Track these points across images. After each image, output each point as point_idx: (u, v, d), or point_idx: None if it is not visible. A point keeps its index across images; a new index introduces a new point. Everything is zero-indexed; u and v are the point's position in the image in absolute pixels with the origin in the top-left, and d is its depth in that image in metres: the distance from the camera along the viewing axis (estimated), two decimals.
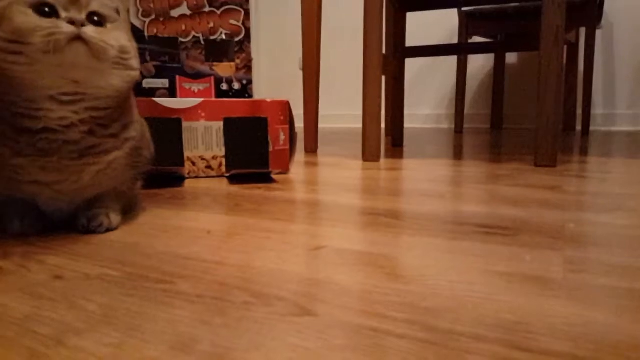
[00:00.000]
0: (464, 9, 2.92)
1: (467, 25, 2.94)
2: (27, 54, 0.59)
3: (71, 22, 0.61)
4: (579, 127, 2.88)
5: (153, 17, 1.82)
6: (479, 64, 3.52)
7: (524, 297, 0.48)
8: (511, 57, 3.42)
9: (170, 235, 0.69)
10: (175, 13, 1.56)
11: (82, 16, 0.63)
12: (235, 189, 1.09)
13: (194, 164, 1.21)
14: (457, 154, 1.82)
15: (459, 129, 3.16)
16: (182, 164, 1.18)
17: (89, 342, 0.39)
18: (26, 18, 0.59)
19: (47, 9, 0.61)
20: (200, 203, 0.94)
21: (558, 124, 1.37)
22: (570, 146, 2.00)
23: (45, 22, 0.60)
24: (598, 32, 2.99)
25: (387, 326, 0.42)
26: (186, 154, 1.20)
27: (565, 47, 2.82)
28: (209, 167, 1.22)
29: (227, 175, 1.25)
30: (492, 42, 3.12)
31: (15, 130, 0.62)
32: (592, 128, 2.94)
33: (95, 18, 0.64)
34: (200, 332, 0.41)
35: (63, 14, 0.61)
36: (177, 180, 1.21)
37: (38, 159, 0.63)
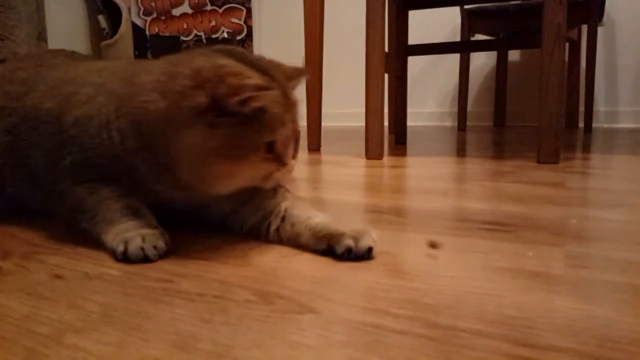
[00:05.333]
0: (466, 7, 2.91)
1: (469, 23, 2.93)
2: None
3: None
4: (581, 124, 2.87)
5: (154, 15, 1.82)
6: (482, 62, 3.51)
7: (526, 293, 0.48)
8: (513, 55, 3.41)
9: (171, 235, 0.69)
10: (176, 12, 1.56)
11: None
12: None
13: None
14: (460, 151, 1.82)
15: (462, 127, 3.15)
16: None
17: (88, 341, 0.39)
18: None
19: None
20: None
21: (560, 121, 1.36)
22: (573, 143, 1.99)
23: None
24: (600, 30, 2.98)
25: (389, 322, 0.42)
26: None
27: (567, 44, 2.81)
28: None
29: None
30: (494, 40, 3.11)
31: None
32: (594, 125, 2.93)
33: None
34: (201, 330, 0.41)
35: None
36: None
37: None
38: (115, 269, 0.56)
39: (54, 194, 0.70)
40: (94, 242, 0.62)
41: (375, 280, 0.52)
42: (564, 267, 0.54)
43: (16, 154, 0.75)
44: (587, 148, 1.81)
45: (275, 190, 0.70)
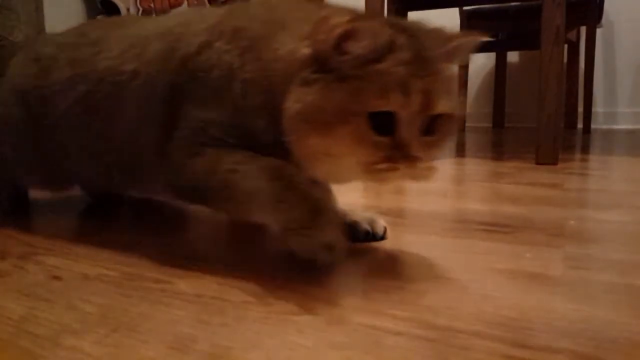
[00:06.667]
0: (465, 8, 2.91)
1: (468, 24, 2.93)
2: None
3: None
4: (580, 125, 2.87)
5: (153, 16, 1.82)
6: (481, 63, 3.50)
7: (523, 294, 0.48)
8: (512, 56, 3.41)
9: (170, 236, 0.69)
10: (176, 12, 1.56)
11: None
12: None
13: None
14: (459, 152, 1.81)
15: (461, 128, 3.15)
16: None
17: (85, 343, 0.39)
18: None
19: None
20: None
21: (559, 122, 1.36)
22: (572, 144, 1.99)
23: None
24: (598, 31, 2.98)
25: (387, 324, 0.42)
26: None
27: (566, 45, 2.81)
28: None
29: None
30: (493, 41, 3.11)
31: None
32: (593, 126, 2.93)
33: None
34: (199, 332, 0.41)
35: None
36: None
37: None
38: (113, 270, 0.56)
39: (154, 168, 0.61)
40: (93, 242, 0.62)
41: (373, 281, 0.52)
42: (562, 268, 0.54)
43: (88, 127, 0.67)
44: (585, 149, 1.81)
45: None
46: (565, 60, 2.81)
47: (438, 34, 0.52)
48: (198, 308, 0.45)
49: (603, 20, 2.98)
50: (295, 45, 0.51)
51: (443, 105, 0.49)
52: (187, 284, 0.51)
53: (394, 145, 0.48)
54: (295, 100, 0.49)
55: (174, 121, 0.58)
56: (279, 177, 0.52)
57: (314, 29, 0.49)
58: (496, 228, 0.72)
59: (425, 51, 0.49)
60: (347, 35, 0.46)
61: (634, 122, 3.11)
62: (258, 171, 0.53)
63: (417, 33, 0.50)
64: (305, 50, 0.50)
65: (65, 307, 0.46)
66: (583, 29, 2.87)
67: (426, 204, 0.90)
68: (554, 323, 0.42)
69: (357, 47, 0.47)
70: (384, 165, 0.49)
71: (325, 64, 0.48)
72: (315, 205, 0.50)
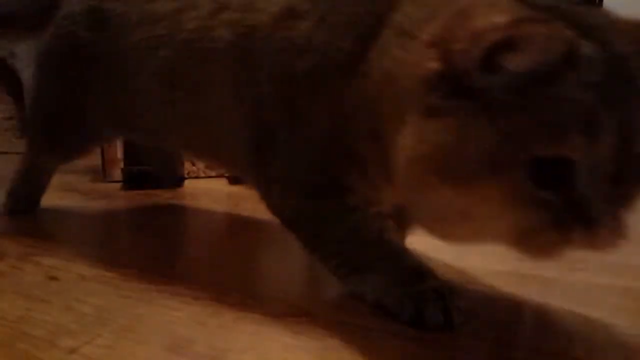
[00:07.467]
0: None
1: None
2: None
3: None
4: None
5: None
6: None
7: (520, 296, 0.48)
8: None
9: (168, 236, 0.69)
10: None
11: None
12: (235, 189, 1.09)
13: (193, 164, 1.21)
14: None
15: None
16: (181, 164, 1.17)
17: (82, 344, 0.39)
18: None
19: None
20: (200, 203, 0.94)
21: None
22: None
23: None
24: None
25: (384, 325, 0.42)
26: None
27: None
28: (208, 167, 1.22)
29: (227, 175, 1.24)
30: None
31: None
32: None
33: None
34: (196, 333, 0.41)
35: None
36: (177, 180, 1.21)
37: None
38: (110, 271, 0.55)
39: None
40: (91, 243, 0.61)
41: None
42: (559, 271, 0.54)
43: (169, 103, 0.58)
44: None
45: None
46: None
47: (637, 32, 0.36)
48: (195, 310, 0.45)
49: None
50: (412, 55, 0.38)
51: None
52: (184, 285, 0.51)
53: (566, 203, 0.33)
54: (418, 139, 0.35)
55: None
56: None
57: (445, 30, 0.34)
58: None
59: (622, 64, 0.33)
60: (506, 45, 0.31)
61: None
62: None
63: (606, 34, 0.34)
64: (431, 64, 0.35)
65: (63, 308, 0.46)
66: None
67: None
68: (551, 325, 0.42)
69: (520, 62, 0.31)
70: (550, 235, 0.34)
71: (463, 86, 0.33)
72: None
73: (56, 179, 0.82)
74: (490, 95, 0.32)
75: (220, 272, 0.55)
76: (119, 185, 1.06)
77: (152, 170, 1.06)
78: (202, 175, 1.22)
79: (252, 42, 0.48)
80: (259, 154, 0.49)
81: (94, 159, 1.07)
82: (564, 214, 0.33)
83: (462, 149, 0.33)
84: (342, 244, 0.46)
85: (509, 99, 0.32)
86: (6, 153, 1.68)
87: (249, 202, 0.94)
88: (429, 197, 0.36)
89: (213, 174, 1.23)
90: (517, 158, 0.32)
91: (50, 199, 0.82)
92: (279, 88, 0.46)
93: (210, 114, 0.54)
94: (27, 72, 1.98)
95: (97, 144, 0.83)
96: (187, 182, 1.16)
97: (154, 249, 0.63)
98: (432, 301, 0.41)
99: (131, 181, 1.07)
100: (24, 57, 1.96)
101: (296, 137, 0.46)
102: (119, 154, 1.09)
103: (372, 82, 0.40)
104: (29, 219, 0.76)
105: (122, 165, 1.08)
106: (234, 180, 1.13)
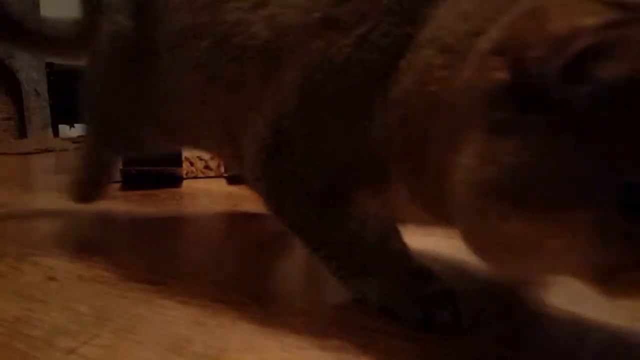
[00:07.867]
0: None
1: None
2: None
3: None
4: None
5: None
6: None
7: (516, 296, 0.48)
8: None
9: (166, 237, 0.69)
10: None
11: None
12: (234, 189, 1.09)
13: (192, 164, 1.21)
14: None
15: None
16: (180, 165, 1.17)
17: (80, 344, 0.39)
18: None
19: None
20: (199, 204, 0.94)
21: None
22: None
23: None
24: None
25: (382, 325, 0.42)
26: (184, 154, 1.19)
27: None
28: (207, 167, 1.22)
29: (226, 175, 1.24)
30: None
31: None
32: None
33: None
34: (195, 333, 0.41)
35: None
36: (175, 180, 1.21)
37: None
38: (109, 271, 0.55)
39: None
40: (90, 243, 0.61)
41: None
42: None
43: (208, 99, 0.54)
44: None
45: None
46: None
47: None
48: (194, 309, 0.45)
49: None
50: (466, 70, 0.33)
51: None
52: (183, 285, 0.51)
53: None
54: (484, 160, 0.31)
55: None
56: None
57: (513, 36, 0.30)
58: None
59: None
60: (596, 51, 0.27)
61: None
62: None
63: None
64: (497, 75, 0.30)
65: (61, 308, 0.46)
66: None
67: None
68: (547, 325, 0.42)
69: (614, 71, 0.27)
70: (638, 274, 0.29)
71: (539, 99, 0.29)
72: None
73: (55, 179, 0.82)
74: (574, 110, 0.28)
75: (219, 272, 0.55)
76: (117, 185, 1.06)
77: (150, 170, 1.06)
78: (201, 175, 1.22)
79: (285, 44, 0.44)
80: (271, 155, 0.47)
81: None
82: None
83: (540, 172, 0.28)
84: (345, 245, 0.45)
85: (598, 114, 0.27)
86: (5, 154, 1.68)
87: (248, 202, 0.94)
88: (492, 224, 0.31)
89: (212, 174, 1.23)
90: (607, 183, 0.27)
91: (49, 199, 0.82)
92: (305, 105, 0.43)
93: (240, 115, 0.51)
94: (25, 73, 1.99)
95: (144, 144, 0.76)
96: (185, 183, 1.16)
97: (153, 249, 0.63)
98: (441, 305, 0.40)
99: (130, 181, 1.07)
100: (22, 57, 1.96)
101: (313, 151, 0.44)
102: None
103: (411, 105, 0.37)
104: (28, 220, 0.76)
105: (120, 165, 1.08)
106: (232, 180, 1.13)
